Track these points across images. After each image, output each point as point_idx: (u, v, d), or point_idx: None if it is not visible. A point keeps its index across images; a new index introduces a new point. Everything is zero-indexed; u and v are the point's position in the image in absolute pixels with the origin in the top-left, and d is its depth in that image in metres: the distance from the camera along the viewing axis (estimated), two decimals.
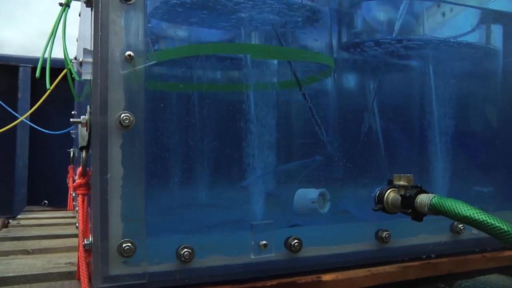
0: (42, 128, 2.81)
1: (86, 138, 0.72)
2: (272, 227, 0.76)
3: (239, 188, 0.80)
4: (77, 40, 1.75)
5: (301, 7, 0.88)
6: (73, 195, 2.23)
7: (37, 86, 3.04)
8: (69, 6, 1.26)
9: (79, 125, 0.74)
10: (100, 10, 0.68)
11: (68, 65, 1.38)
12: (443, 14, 1.11)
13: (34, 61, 3.07)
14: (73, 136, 2.59)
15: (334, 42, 0.96)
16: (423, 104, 1.01)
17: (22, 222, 1.84)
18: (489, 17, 1.11)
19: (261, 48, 0.88)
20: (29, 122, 2.80)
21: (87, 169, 0.77)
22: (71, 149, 2.46)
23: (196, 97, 0.82)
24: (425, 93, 1.01)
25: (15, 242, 1.37)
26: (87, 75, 0.74)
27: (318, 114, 0.88)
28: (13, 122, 2.64)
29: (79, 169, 0.75)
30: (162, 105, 0.77)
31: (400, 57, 1.04)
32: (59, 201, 2.99)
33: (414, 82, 1.05)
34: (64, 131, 2.81)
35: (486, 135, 1.08)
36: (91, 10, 0.74)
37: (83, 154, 0.73)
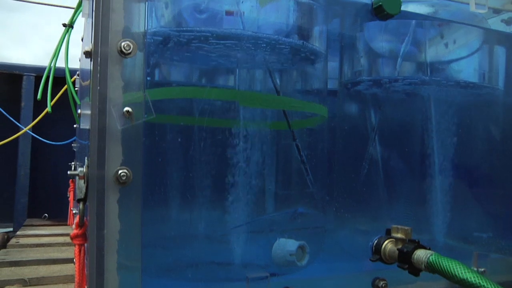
0: (45, 137, 2.81)
1: (84, 190, 0.72)
2: (267, 280, 0.76)
3: (237, 241, 0.80)
4: (79, 61, 1.76)
5: (299, 49, 0.87)
6: (74, 211, 2.24)
7: None
8: (72, 27, 1.26)
9: (77, 177, 0.74)
10: (98, 63, 0.68)
11: (70, 89, 1.38)
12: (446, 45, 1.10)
13: (38, 70, 3.08)
14: (75, 149, 2.60)
15: (330, 85, 0.95)
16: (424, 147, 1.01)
17: (21, 241, 1.84)
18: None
19: (250, 96, 0.85)
20: (31, 133, 2.81)
21: (84, 219, 0.77)
22: (73, 163, 2.46)
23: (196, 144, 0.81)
24: (427, 135, 1.01)
25: (13, 268, 1.37)
26: (85, 125, 0.74)
27: (312, 160, 0.87)
28: (15, 130, 2.65)
29: (77, 219, 0.75)
30: (160, 159, 0.77)
31: (401, 97, 1.03)
32: (59, 213, 2.99)
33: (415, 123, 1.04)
34: (66, 141, 2.81)
35: (491, 178, 1.07)
36: (90, 61, 0.73)
37: (81, 206, 0.73)
